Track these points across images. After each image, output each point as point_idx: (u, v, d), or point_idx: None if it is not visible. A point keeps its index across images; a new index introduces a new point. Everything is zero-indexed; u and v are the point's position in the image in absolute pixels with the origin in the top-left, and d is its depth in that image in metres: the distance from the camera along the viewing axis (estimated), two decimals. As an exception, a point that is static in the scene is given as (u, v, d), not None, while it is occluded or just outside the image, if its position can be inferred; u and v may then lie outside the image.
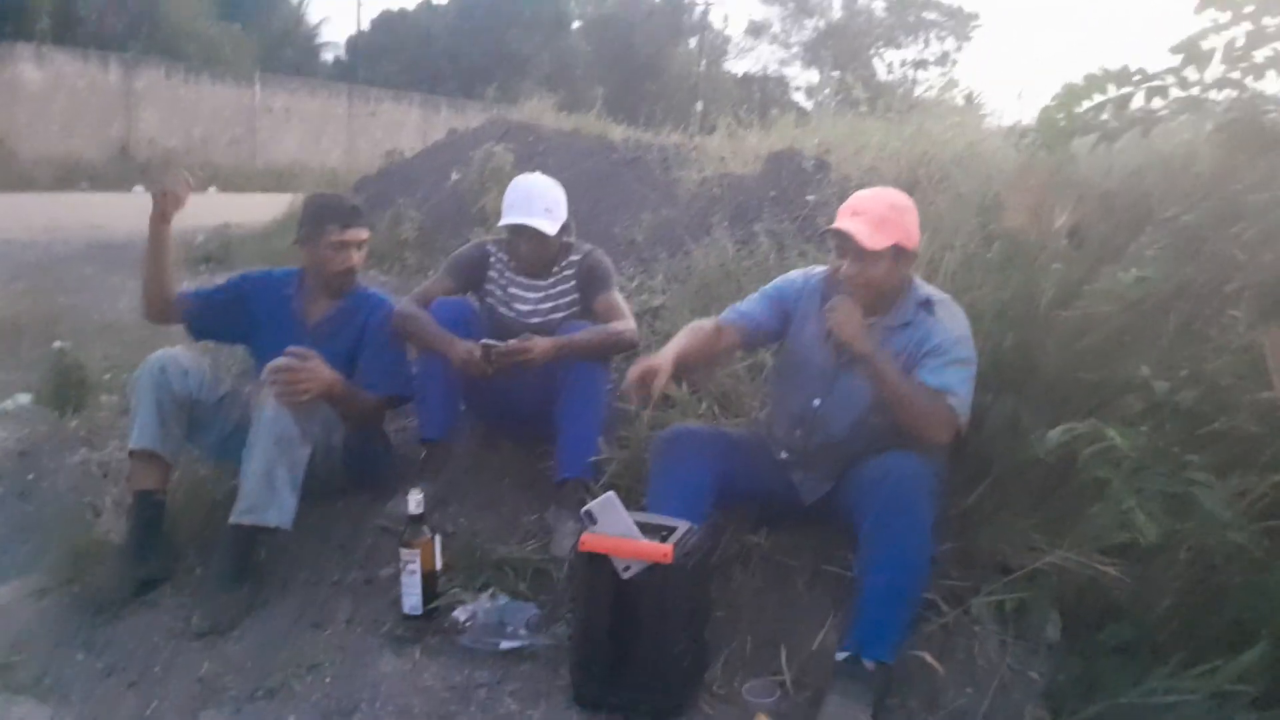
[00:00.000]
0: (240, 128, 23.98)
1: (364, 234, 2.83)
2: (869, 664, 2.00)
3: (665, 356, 2.23)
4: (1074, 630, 2.13)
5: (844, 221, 2.23)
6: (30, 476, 3.10)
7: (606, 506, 1.96)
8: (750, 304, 2.47)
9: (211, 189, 18.99)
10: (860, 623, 2.05)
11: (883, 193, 2.35)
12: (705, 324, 2.42)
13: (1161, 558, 2.09)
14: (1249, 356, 2.23)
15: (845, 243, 2.22)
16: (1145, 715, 1.85)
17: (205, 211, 11.49)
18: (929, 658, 2.06)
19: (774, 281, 2.52)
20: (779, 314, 2.43)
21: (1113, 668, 2.01)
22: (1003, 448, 2.41)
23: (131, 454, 2.52)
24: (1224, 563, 2.06)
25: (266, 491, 2.38)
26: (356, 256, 2.82)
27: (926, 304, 2.30)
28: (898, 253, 2.24)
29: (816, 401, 2.33)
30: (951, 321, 2.28)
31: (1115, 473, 2.05)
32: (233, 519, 2.38)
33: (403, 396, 2.87)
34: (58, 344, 4.48)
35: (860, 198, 2.32)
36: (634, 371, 2.20)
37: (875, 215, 2.22)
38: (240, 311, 2.81)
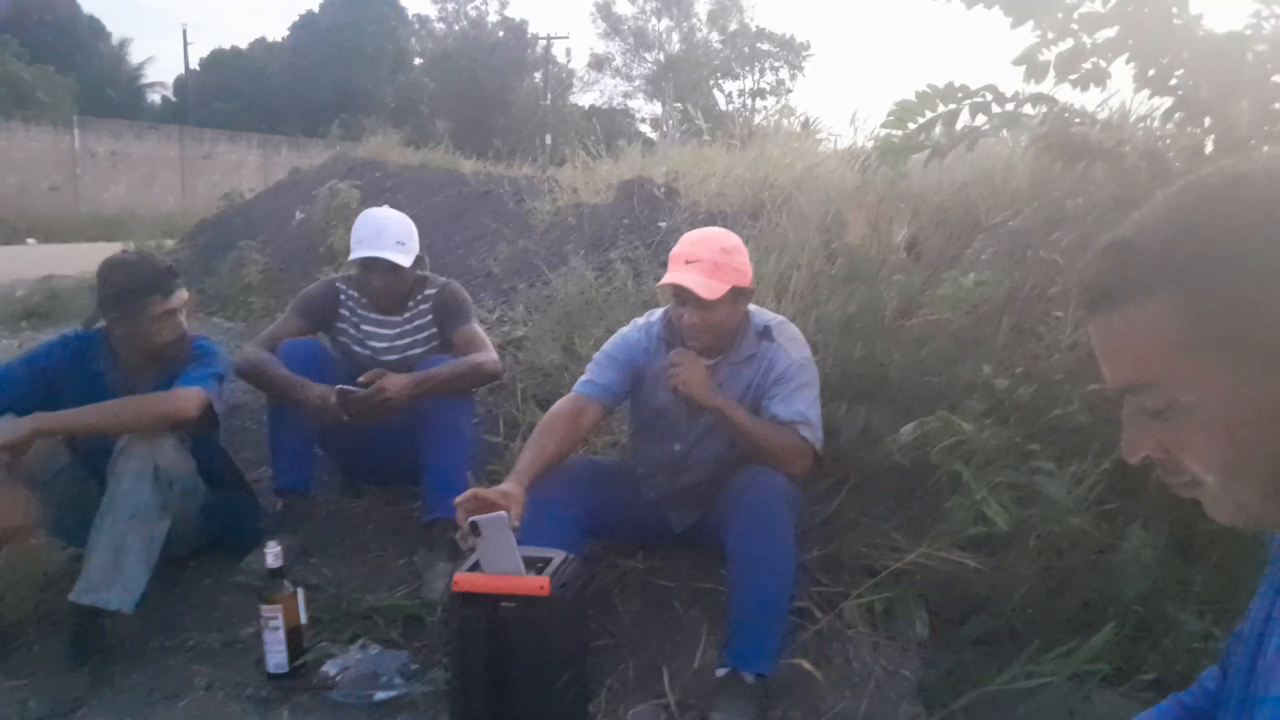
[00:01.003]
0: (60, 175, 22.55)
1: (185, 295, 2.54)
2: (748, 677, 2.02)
3: (512, 487, 2.05)
4: (941, 626, 2.22)
5: (679, 275, 2.20)
6: None
7: (494, 524, 1.89)
8: (601, 372, 2.38)
9: (30, 240, 17.73)
10: (735, 637, 2.07)
11: (711, 237, 2.33)
12: (561, 410, 2.30)
13: (1014, 548, 2.22)
14: (1076, 353, 2.41)
15: (683, 293, 2.22)
16: (1011, 701, 1.94)
17: (24, 265, 10.74)
18: (806, 665, 2.10)
19: (614, 342, 2.45)
20: (629, 376, 2.39)
21: (979, 658, 2.10)
22: (859, 455, 2.51)
23: None
24: (1069, 548, 2.20)
25: (112, 570, 2.20)
26: (168, 334, 2.49)
27: (765, 332, 2.34)
28: (735, 294, 2.25)
29: (677, 446, 2.37)
30: (791, 345, 2.32)
31: (966, 468, 2.16)
32: (71, 596, 2.19)
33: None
34: None
35: (691, 245, 2.27)
36: (466, 507, 1.96)
37: (708, 263, 2.22)
38: (44, 395, 2.44)
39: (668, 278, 2.24)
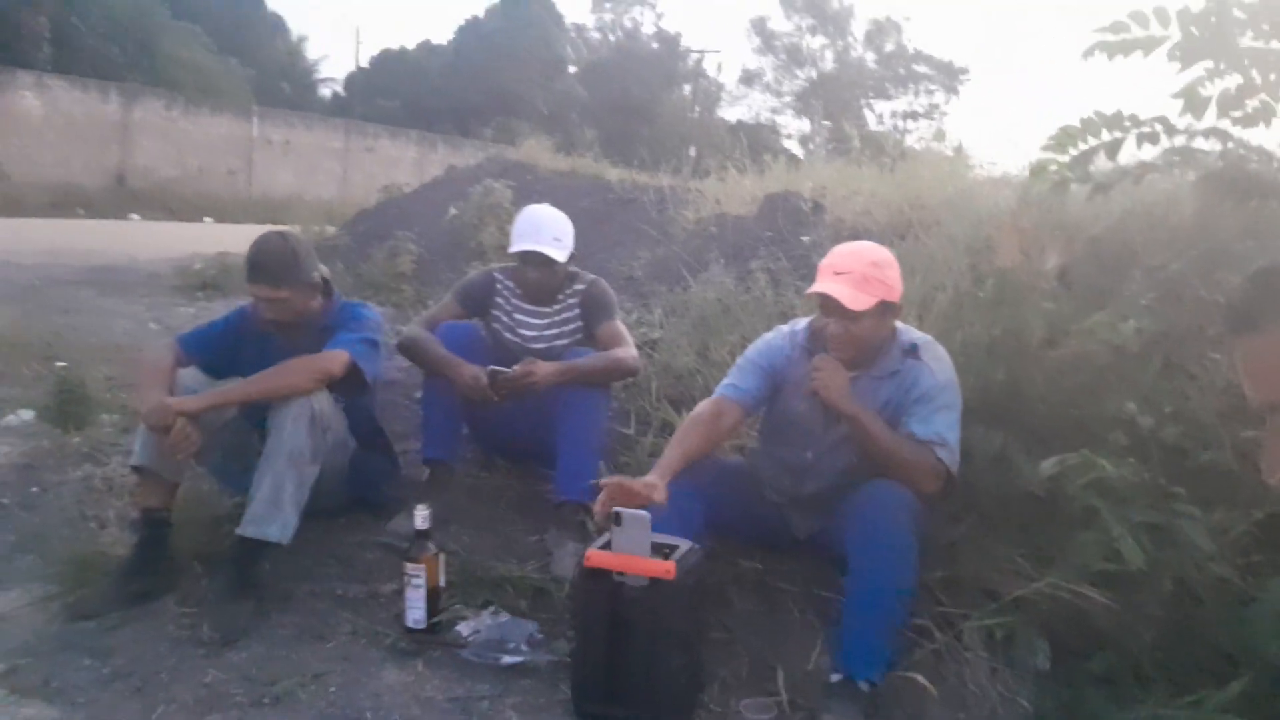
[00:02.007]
0: (237, 160, 24.14)
1: (265, 291, 2.59)
2: (862, 685, 2.06)
3: (655, 479, 2.16)
4: (1062, 658, 2.18)
5: (826, 284, 2.24)
6: (33, 489, 3.12)
7: (636, 521, 2.00)
8: (743, 377, 2.44)
9: (207, 219, 19.09)
10: (851, 644, 2.10)
11: (862, 250, 2.35)
12: (703, 412, 2.39)
13: (1146, 588, 2.16)
14: (1230, 396, 2.32)
15: (830, 303, 2.25)
16: (1132, 743, 1.90)
17: (201, 241, 11.60)
18: (920, 679, 2.11)
19: (756, 347, 2.51)
20: (769, 381, 2.44)
21: (1100, 696, 2.06)
22: (991, 480, 2.48)
23: (134, 470, 2.55)
24: (1207, 595, 2.12)
25: (273, 507, 2.42)
26: (271, 311, 2.63)
27: (912, 350, 2.34)
28: (883, 308, 2.27)
29: (809, 454, 2.40)
30: (937, 365, 2.33)
31: (1103, 502, 2.12)
32: (239, 530, 2.42)
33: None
34: (60, 363, 4.53)
35: (841, 256, 2.31)
36: (610, 492, 2.10)
37: (857, 275, 2.24)
38: (230, 353, 2.73)
39: (815, 287, 2.28)
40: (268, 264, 2.59)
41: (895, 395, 2.31)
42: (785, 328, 2.53)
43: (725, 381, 2.47)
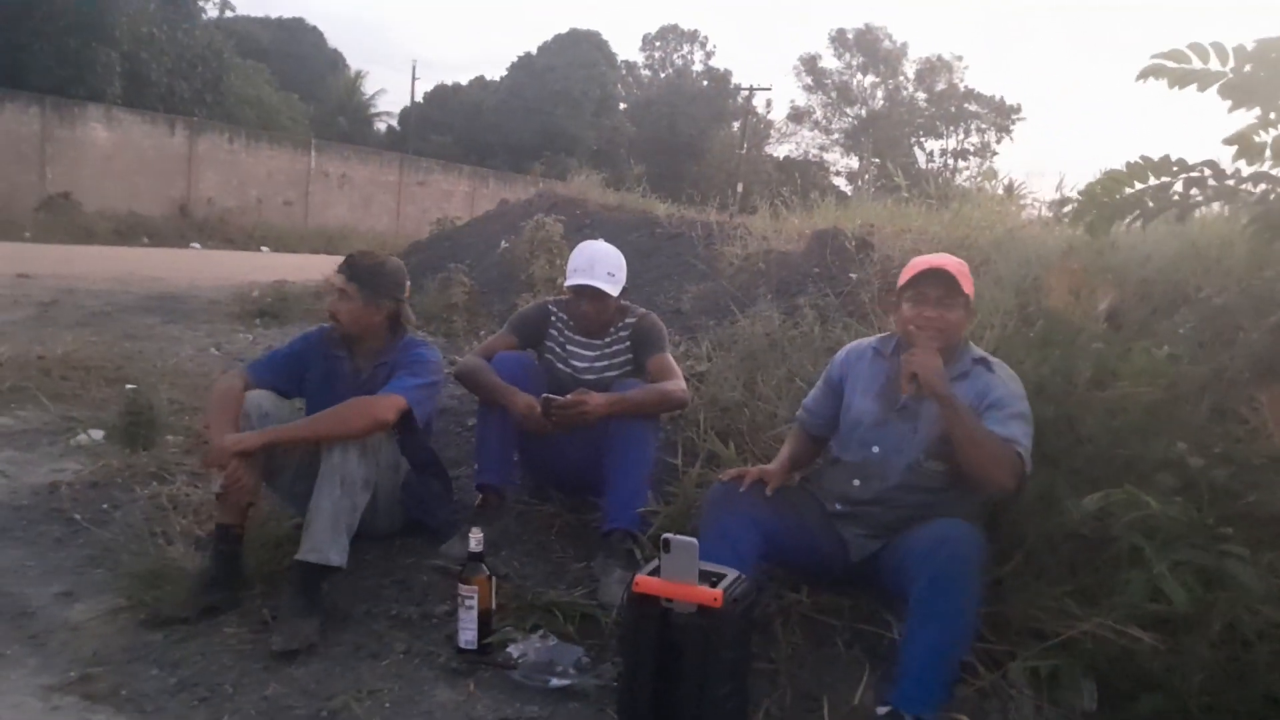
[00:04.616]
0: (294, 191, 24.83)
1: (340, 279, 2.84)
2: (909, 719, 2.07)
3: (777, 465, 2.57)
4: (1108, 699, 2.17)
5: (935, 260, 2.42)
6: (104, 506, 3.26)
7: (685, 548, 2.04)
8: (814, 399, 2.70)
9: (264, 248, 19.62)
10: (906, 680, 2.11)
11: (946, 255, 2.51)
12: (799, 432, 2.72)
13: (1195, 630, 2.15)
14: (1282, 439, 2.31)
15: (931, 289, 2.39)
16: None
17: (259, 270, 11.94)
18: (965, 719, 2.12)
19: (829, 363, 2.72)
20: (835, 393, 2.62)
21: (1147, 739, 2.05)
22: (1038, 518, 2.49)
23: (217, 496, 2.66)
24: (1257, 639, 2.11)
25: (331, 533, 2.52)
26: (337, 304, 2.84)
27: (983, 361, 2.45)
28: (968, 305, 2.44)
29: (875, 449, 2.45)
30: (1011, 381, 2.42)
31: (1149, 542, 2.12)
32: (299, 556, 2.51)
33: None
34: (130, 386, 4.71)
35: (930, 256, 2.49)
36: (753, 473, 2.48)
37: (954, 266, 2.41)
38: (298, 376, 2.91)
39: (926, 259, 2.44)
40: (356, 259, 2.88)
41: (967, 398, 2.36)
42: (859, 340, 2.71)
43: (803, 406, 2.74)
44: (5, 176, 18.45)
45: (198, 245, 18.66)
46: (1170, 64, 2.04)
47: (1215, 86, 1.98)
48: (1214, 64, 2.01)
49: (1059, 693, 2.20)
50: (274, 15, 37.05)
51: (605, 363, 3.11)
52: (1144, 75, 2.05)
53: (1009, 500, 2.37)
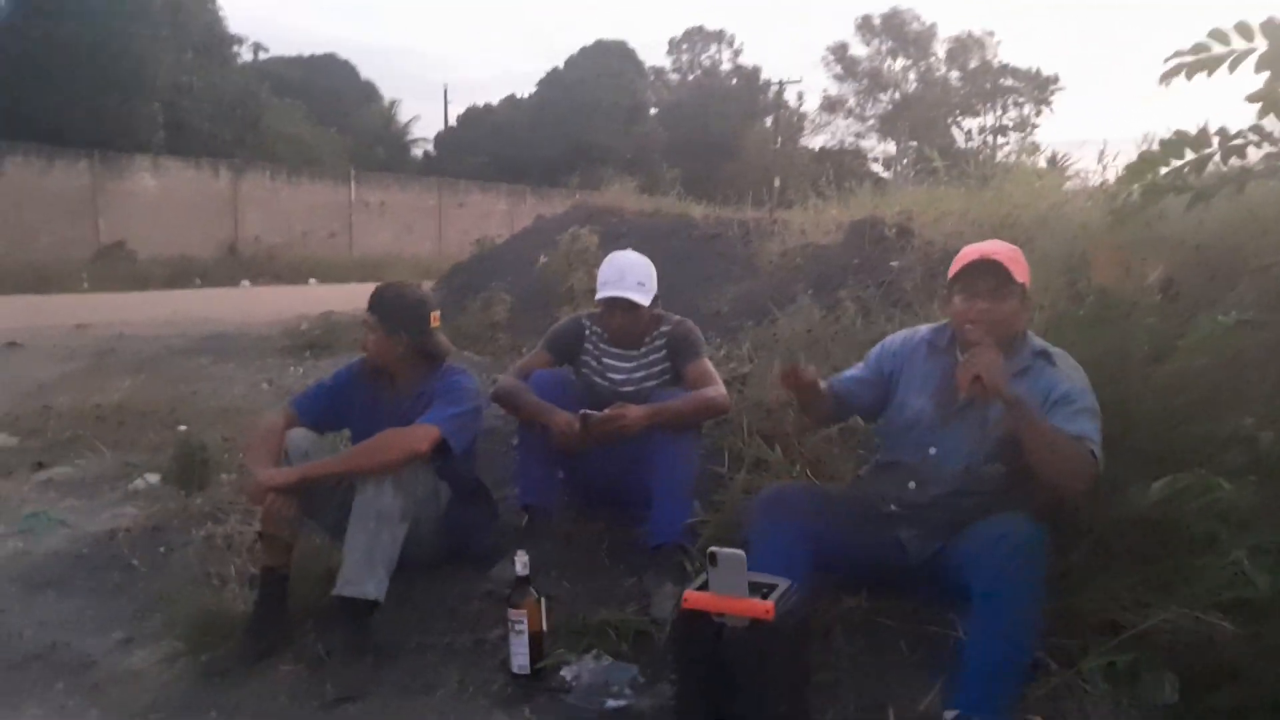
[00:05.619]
0: (337, 223, 25.27)
1: (366, 314, 2.85)
2: (978, 724, 1.98)
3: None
4: (1188, 691, 2.06)
5: (986, 249, 2.29)
6: (161, 550, 3.31)
7: (732, 560, 1.99)
8: (855, 381, 2.52)
9: (312, 280, 19.96)
10: (970, 684, 2.02)
11: (997, 242, 2.39)
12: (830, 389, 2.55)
13: (1276, 617, 2.03)
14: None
15: (981, 281, 2.25)
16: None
17: (308, 302, 12.13)
18: None
19: (875, 349, 2.57)
20: (881, 385, 2.47)
21: (1231, 731, 1.95)
22: (1102, 505, 2.38)
23: (260, 536, 2.67)
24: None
25: (366, 566, 2.51)
26: (366, 338, 2.85)
27: (1044, 354, 2.31)
28: (1023, 295, 2.29)
29: (933, 450, 2.34)
30: (1074, 372, 2.27)
31: (1223, 526, 2.01)
32: (336, 591, 2.51)
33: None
34: (182, 428, 4.78)
35: (980, 244, 2.35)
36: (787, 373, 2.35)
37: (1005, 254, 2.27)
38: (339, 409, 2.92)
39: (975, 248, 2.30)
40: (380, 293, 2.90)
41: (1029, 394, 2.20)
42: (905, 330, 2.56)
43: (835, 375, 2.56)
44: (60, 229, 19.06)
45: (247, 283, 19.04)
46: (1191, 58, 1.95)
47: (1251, 60, 1.87)
48: (1238, 43, 1.91)
49: (1137, 687, 2.10)
50: (306, 53, 37.53)
51: (643, 374, 3.06)
52: (1166, 78, 1.96)
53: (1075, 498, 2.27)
